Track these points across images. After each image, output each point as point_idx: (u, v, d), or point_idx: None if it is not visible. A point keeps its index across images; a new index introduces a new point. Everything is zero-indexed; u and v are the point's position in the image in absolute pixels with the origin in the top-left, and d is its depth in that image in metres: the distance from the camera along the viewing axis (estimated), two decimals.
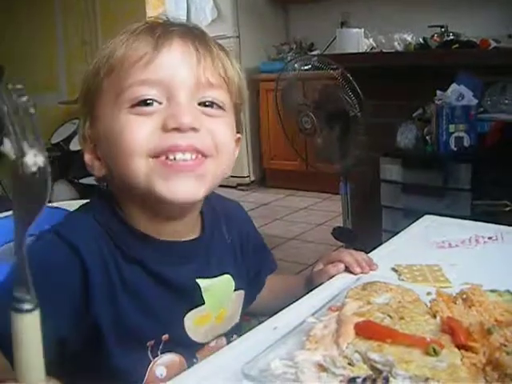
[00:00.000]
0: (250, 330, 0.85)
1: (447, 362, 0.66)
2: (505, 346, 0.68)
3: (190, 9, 5.85)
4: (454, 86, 2.96)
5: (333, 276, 1.01)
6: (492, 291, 0.84)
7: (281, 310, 0.89)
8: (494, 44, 3.20)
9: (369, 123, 3.02)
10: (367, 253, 1.06)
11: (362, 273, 1.00)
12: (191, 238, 0.95)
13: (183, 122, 0.83)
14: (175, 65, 0.86)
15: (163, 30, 0.87)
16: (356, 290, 0.86)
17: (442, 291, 0.83)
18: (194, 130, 0.84)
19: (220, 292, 0.95)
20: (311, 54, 5.38)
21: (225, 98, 0.91)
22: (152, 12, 4.69)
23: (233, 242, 1.04)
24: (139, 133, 0.83)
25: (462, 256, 1.07)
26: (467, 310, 0.78)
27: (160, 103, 0.85)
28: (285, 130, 3.50)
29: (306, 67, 3.49)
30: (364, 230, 3.21)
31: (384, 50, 3.45)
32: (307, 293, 0.96)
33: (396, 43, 3.45)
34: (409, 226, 1.29)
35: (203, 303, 0.92)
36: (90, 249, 0.85)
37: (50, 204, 1.15)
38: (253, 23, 5.96)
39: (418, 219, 1.32)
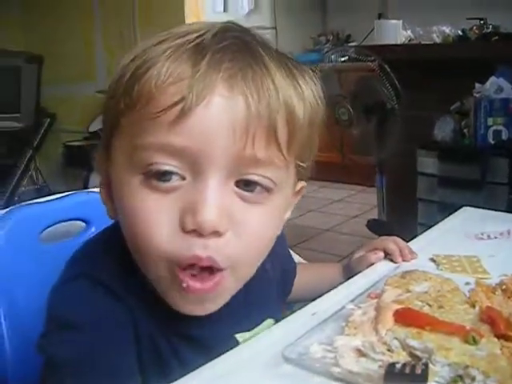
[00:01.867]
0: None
1: (486, 350, 0.66)
2: None
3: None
4: (492, 78, 2.93)
5: (372, 264, 1.01)
6: None
7: (319, 296, 0.90)
8: None
9: (406, 115, 3.01)
10: (406, 241, 1.06)
11: (403, 261, 1.00)
12: None
13: (204, 223, 0.63)
14: (211, 129, 0.63)
15: (208, 64, 0.63)
16: (395, 277, 0.86)
17: (481, 281, 0.84)
18: (216, 233, 0.65)
19: None
20: (348, 45, 5.35)
21: (277, 173, 0.68)
22: (189, 2, 4.68)
23: (275, 273, 0.93)
24: (155, 227, 0.66)
25: (501, 248, 1.07)
26: (506, 301, 0.78)
27: (183, 178, 0.66)
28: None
29: (342, 59, 3.48)
30: (399, 222, 3.19)
31: (422, 42, 3.41)
32: (346, 280, 0.97)
33: (434, 35, 3.41)
34: (446, 218, 1.28)
35: None
36: (133, 301, 0.73)
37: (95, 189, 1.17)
38: (290, 14, 5.96)
39: (454, 212, 1.31)
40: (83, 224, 1.09)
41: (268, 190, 0.68)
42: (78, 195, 1.11)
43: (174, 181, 0.65)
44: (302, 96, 0.69)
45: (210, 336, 0.78)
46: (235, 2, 5.80)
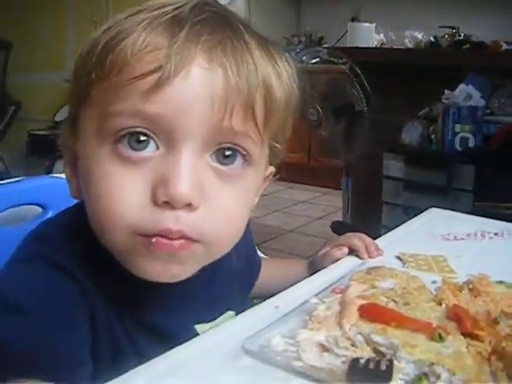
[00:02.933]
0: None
1: (452, 348, 0.64)
2: (511, 336, 0.67)
3: None
4: (462, 86, 2.96)
5: (337, 260, 0.99)
6: (499, 282, 0.83)
7: (282, 290, 0.88)
8: (505, 46, 3.19)
9: (374, 119, 3.02)
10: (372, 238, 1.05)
11: (369, 257, 0.98)
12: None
13: (177, 195, 0.61)
14: (189, 100, 0.61)
15: (187, 36, 0.61)
16: (361, 273, 0.85)
17: (448, 280, 0.82)
18: (189, 205, 0.63)
19: None
20: (321, 46, 5.37)
21: (253, 147, 0.67)
22: None
23: (240, 266, 0.91)
24: (125, 203, 0.63)
25: (468, 249, 1.06)
26: (473, 300, 0.77)
27: (157, 147, 0.63)
28: None
29: (314, 60, 3.48)
30: (363, 225, 3.20)
31: (394, 47, 3.43)
32: (310, 275, 0.95)
33: (406, 40, 3.45)
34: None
35: None
36: (91, 287, 0.69)
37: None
38: (264, 14, 5.94)
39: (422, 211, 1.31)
40: (39, 209, 1.06)
41: (245, 160, 0.67)
42: (35, 179, 1.09)
43: (147, 150, 0.63)
44: (280, 76, 0.68)
45: (169, 325, 0.76)
46: None
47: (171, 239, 0.64)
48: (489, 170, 2.78)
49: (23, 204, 1.05)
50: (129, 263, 0.67)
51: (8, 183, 1.07)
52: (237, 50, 0.63)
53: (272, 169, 0.79)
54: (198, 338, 0.74)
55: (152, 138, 0.63)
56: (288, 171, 5.47)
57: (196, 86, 0.61)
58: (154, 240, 0.63)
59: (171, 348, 0.70)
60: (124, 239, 0.65)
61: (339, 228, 3.38)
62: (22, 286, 0.67)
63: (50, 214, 1.05)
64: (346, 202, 3.40)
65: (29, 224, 1.04)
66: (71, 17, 5.11)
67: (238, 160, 0.67)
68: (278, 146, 0.73)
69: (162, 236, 0.63)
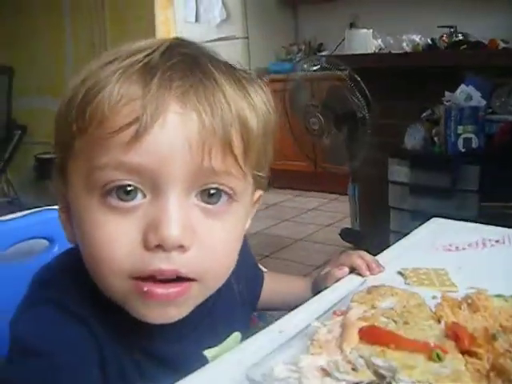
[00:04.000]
0: (256, 333, 0.85)
1: (451, 367, 0.65)
2: (509, 351, 0.67)
3: (198, 9, 5.86)
4: (462, 87, 2.97)
5: (339, 279, 1.01)
6: (497, 296, 0.84)
7: (286, 311, 0.89)
8: (502, 45, 3.20)
9: (377, 124, 3.03)
10: (374, 255, 1.06)
11: (370, 274, 1.00)
12: None
13: (169, 238, 0.63)
14: (167, 147, 0.63)
15: (159, 82, 0.63)
16: (361, 293, 0.86)
17: (448, 295, 0.83)
18: (181, 248, 0.65)
19: (227, 351, 0.82)
20: (320, 54, 5.39)
21: (236, 183, 0.69)
22: (161, 13, 4.69)
23: (241, 290, 0.93)
24: (116, 249, 0.65)
25: (469, 259, 1.07)
26: (472, 315, 0.78)
27: (144, 195, 0.65)
28: (292, 131, 3.51)
29: (314, 68, 3.50)
30: (372, 231, 3.22)
31: (392, 51, 3.44)
32: (313, 296, 0.96)
33: (404, 44, 3.46)
34: (416, 228, 1.28)
35: None
36: (99, 326, 0.71)
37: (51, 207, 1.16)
38: (262, 24, 5.98)
39: (425, 221, 1.32)
40: (46, 242, 1.08)
41: (229, 198, 0.69)
42: (42, 213, 1.10)
43: (135, 200, 0.65)
44: (253, 107, 0.70)
45: (176, 354, 0.78)
46: (207, 13, 5.81)
47: (165, 284, 0.66)
48: (493, 170, 2.79)
49: (30, 238, 1.07)
50: (126, 307, 0.69)
51: (15, 218, 1.10)
52: (209, 91, 0.65)
53: (260, 192, 0.81)
54: (203, 368, 0.76)
55: (138, 188, 0.65)
56: (294, 179, 5.50)
57: (173, 132, 0.63)
58: (146, 289, 0.66)
59: (182, 376, 0.71)
60: (118, 284, 0.67)
61: (348, 235, 3.40)
62: (34, 329, 0.69)
63: (57, 247, 1.08)
64: (353, 208, 3.41)
65: (37, 258, 1.06)
66: (71, 40, 5.15)
67: (223, 197, 0.69)
68: (260, 174, 0.75)
69: (155, 281, 0.65)
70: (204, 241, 0.67)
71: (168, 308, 0.68)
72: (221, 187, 0.68)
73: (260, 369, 0.70)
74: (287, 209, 4.97)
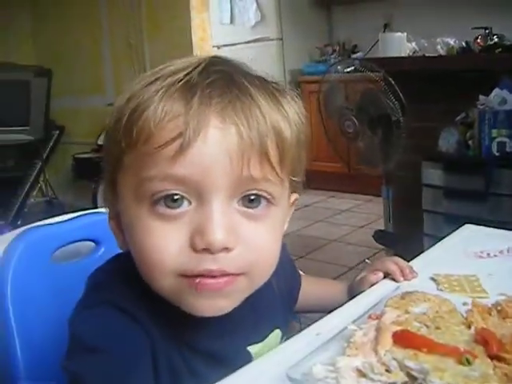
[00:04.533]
0: (293, 335, 0.89)
1: (480, 371, 0.69)
2: None
3: (233, 11, 5.90)
4: (496, 90, 2.96)
5: (373, 284, 1.05)
6: None
7: (323, 314, 0.94)
8: None
9: (411, 127, 3.04)
10: (407, 260, 1.10)
11: (404, 280, 1.03)
12: None
13: (214, 242, 0.69)
14: (209, 158, 0.68)
15: (200, 100, 0.68)
16: (395, 299, 0.89)
17: (478, 302, 0.87)
18: (226, 249, 0.70)
19: (269, 349, 0.87)
20: (354, 56, 5.40)
21: (274, 188, 0.74)
22: (196, 15, 4.73)
23: (279, 284, 0.97)
24: (165, 251, 0.71)
25: (500, 266, 1.10)
26: (501, 322, 0.81)
27: (190, 202, 0.71)
28: (327, 133, 3.54)
29: (348, 69, 3.51)
30: (405, 233, 3.23)
31: (426, 54, 3.44)
32: (349, 300, 1.01)
33: (439, 47, 3.45)
34: (449, 232, 1.31)
35: None
36: (151, 325, 0.77)
37: (97, 210, 1.21)
38: (296, 25, 6.00)
39: (459, 224, 1.34)
40: (93, 244, 1.14)
41: (268, 202, 0.74)
42: (88, 216, 1.16)
43: (181, 206, 0.70)
44: (287, 118, 0.74)
45: (221, 349, 0.83)
46: (242, 14, 5.84)
47: (214, 277, 0.71)
48: None
49: (77, 241, 1.13)
50: (178, 302, 0.75)
51: (62, 222, 1.15)
52: (245, 106, 0.70)
53: (296, 196, 0.86)
54: (245, 367, 0.81)
55: (184, 197, 0.70)
56: (329, 181, 5.52)
57: (214, 145, 0.68)
58: (197, 280, 0.71)
59: (227, 371, 0.78)
60: (170, 283, 0.73)
61: (381, 237, 3.41)
62: (94, 328, 0.75)
63: (102, 249, 1.13)
64: (386, 210, 3.42)
65: (84, 259, 1.12)
66: (107, 40, 5.22)
67: (263, 203, 0.74)
68: (296, 179, 0.79)
69: (204, 276, 0.71)
70: (247, 241, 0.72)
71: (217, 299, 0.73)
72: (260, 193, 0.73)
73: (299, 369, 0.74)
74: (321, 210, 5.00)
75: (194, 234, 0.70)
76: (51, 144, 5.35)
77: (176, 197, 0.70)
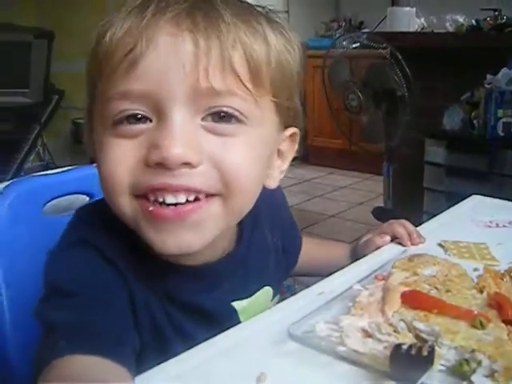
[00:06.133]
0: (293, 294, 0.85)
1: (493, 335, 0.66)
2: None
3: None
4: (504, 70, 2.91)
5: (379, 247, 1.01)
6: None
7: (324, 276, 0.90)
8: None
9: (416, 104, 3.00)
10: (415, 225, 1.06)
11: (412, 245, 1.00)
12: (223, 254, 0.80)
13: (170, 156, 0.64)
14: (163, 69, 0.64)
15: (154, 10, 0.65)
16: (403, 260, 0.86)
17: (490, 268, 0.83)
18: (188, 164, 0.65)
19: (258, 307, 0.83)
20: (360, 31, 5.33)
21: (245, 105, 0.68)
22: None
23: (275, 241, 0.91)
24: (120, 165, 0.67)
25: (510, 237, 1.06)
26: None
27: (150, 120, 0.67)
28: (331, 108, 3.49)
29: (354, 45, 3.46)
30: (405, 211, 3.19)
31: (435, 31, 3.39)
32: (353, 261, 0.97)
33: (448, 24, 3.39)
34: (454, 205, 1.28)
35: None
36: (130, 272, 0.73)
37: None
38: None
39: (464, 199, 1.31)
40: (87, 198, 1.09)
41: (239, 121, 0.68)
42: (82, 169, 1.11)
43: (140, 124, 0.66)
44: (262, 35, 0.69)
45: (208, 303, 0.78)
46: None
47: (177, 199, 0.66)
48: None
49: (71, 193, 1.08)
50: (141, 234, 0.70)
51: (55, 173, 1.11)
52: (206, 15, 0.66)
53: (294, 129, 0.80)
54: (244, 323, 0.77)
55: (143, 116, 0.66)
56: (329, 157, 5.48)
57: (166, 54, 0.64)
58: (151, 209, 0.66)
59: (211, 326, 0.75)
60: (125, 204, 0.69)
61: (381, 214, 3.38)
62: (69, 270, 0.72)
63: None
64: (387, 188, 3.39)
65: None
66: (112, 4, 5.15)
67: (233, 121, 0.68)
68: (278, 101, 0.72)
69: (159, 191, 0.66)
70: (214, 157, 0.67)
71: (182, 232, 0.68)
72: (226, 109, 0.67)
73: (301, 327, 0.71)
74: (320, 185, 4.96)
75: (150, 148, 0.65)
76: (50, 108, 5.29)
77: (136, 116, 0.66)
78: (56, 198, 1.06)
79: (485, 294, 0.75)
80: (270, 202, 0.82)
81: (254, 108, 0.69)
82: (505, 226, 1.12)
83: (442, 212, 1.23)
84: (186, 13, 0.65)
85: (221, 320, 0.78)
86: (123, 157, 0.67)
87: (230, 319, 0.79)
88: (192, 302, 0.77)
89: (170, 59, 0.64)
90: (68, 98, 5.37)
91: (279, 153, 0.79)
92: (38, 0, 5.55)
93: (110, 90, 0.66)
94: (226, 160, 0.67)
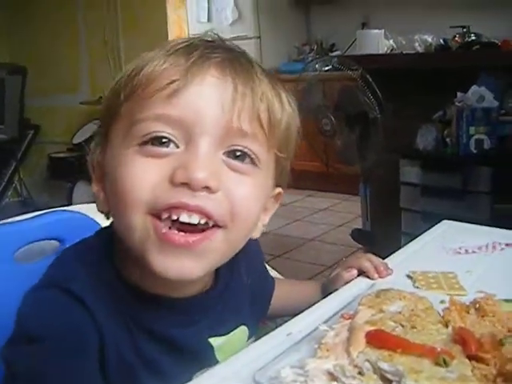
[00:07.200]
0: (266, 334, 0.85)
1: (457, 372, 0.65)
2: None
3: (210, 10, 5.86)
4: (474, 87, 2.95)
5: (347, 282, 1.01)
6: (506, 301, 0.84)
7: (295, 315, 0.90)
8: None
9: (388, 125, 3.02)
10: (383, 258, 1.06)
11: (379, 277, 1.00)
12: (202, 290, 0.83)
13: (195, 178, 0.68)
14: (203, 102, 0.71)
15: (201, 54, 0.72)
16: (369, 297, 0.86)
17: (456, 300, 0.83)
18: (208, 189, 0.70)
19: (234, 346, 0.85)
20: (331, 54, 5.37)
21: (260, 150, 0.75)
22: (173, 12, 4.68)
23: (251, 283, 0.95)
24: (143, 181, 0.70)
25: (478, 263, 1.07)
26: (480, 320, 0.78)
27: (177, 146, 0.71)
28: (304, 131, 3.50)
29: (326, 68, 3.48)
30: (383, 232, 3.20)
31: (404, 52, 3.42)
32: (322, 298, 0.96)
33: (416, 44, 3.43)
34: (426, 230, 1.28)
35: (217, 363, 0.81)
36: (102, 310, 0.74)
37: (70, 207, 1.17)
38: (273, 24, 5.97)
39: (436, 223, 1.31)
40: (57, 243, 1.08)
41: (253, 162, 0.75)
42: (52, 215, 1.11)
43: (170, 148, 0.71)
44: (279, 98, 0.78)
45: (182, 336, 0.79)
46: (219, 12, 5.81)
47: (186, 232, 0.70)
48: (505, 171, 2.77)
49: (41, 239, 1.08)
50: (142, 256, 0.72)
51: (26, 220, 1.10)
52: (244, 67, 0.75)
53: (280, 190, 0.86)
54: (212, 369, 0.76)
55: (173, 141, 0.71)
56: (306, 179, 5.48)
57: (209, 91, 0.71)
58: (164, 231, 0.70)
59: (185, 360, 0.77)
60: (138, 221, 0.71)
61: (359, 236, 3.38)
62: (38, 313, 0.72)
63: None
64: (364, 209, 3.39)
65: (48, 258, 1.07)
66: (83, 38, 5.16)
67: (247, 160, 0.75)
68: (282, 155, 0.80)
69: (176, 209, 0.69)
70: (229, 189, 0.72)
71: (186, 258, 0.71)
72: (245, 150, 0.74)
73: (267, 372, 0.70)
74: (298, 209, 4.96)
75: (176, 168, 0.70)
76: (26, 143, 5.28)
77: (164, 140, 0.71)
78: (26, 244, 1.05)
79: (450, 328, 0.75)
80: (245, 247, 0.83)
81: (266, 154, 0.76)
82: (474, 252, 1.12)
83: (419, 232, 1.24)
84: (228, 61, 0.74)
85: (197, 356, 0.80)
86: (147, 173, 0.70)
87: (206, 356, 0.81)
88: (167, 335, 0.78)
89: (212, 97, 0.71)
90: (43, 132, 5.38)
91: (265, 207, 0.83)
92: (10, 36, 5.56)
93: (144, 111, 0.71)
94: (237, 194, 0.73)
